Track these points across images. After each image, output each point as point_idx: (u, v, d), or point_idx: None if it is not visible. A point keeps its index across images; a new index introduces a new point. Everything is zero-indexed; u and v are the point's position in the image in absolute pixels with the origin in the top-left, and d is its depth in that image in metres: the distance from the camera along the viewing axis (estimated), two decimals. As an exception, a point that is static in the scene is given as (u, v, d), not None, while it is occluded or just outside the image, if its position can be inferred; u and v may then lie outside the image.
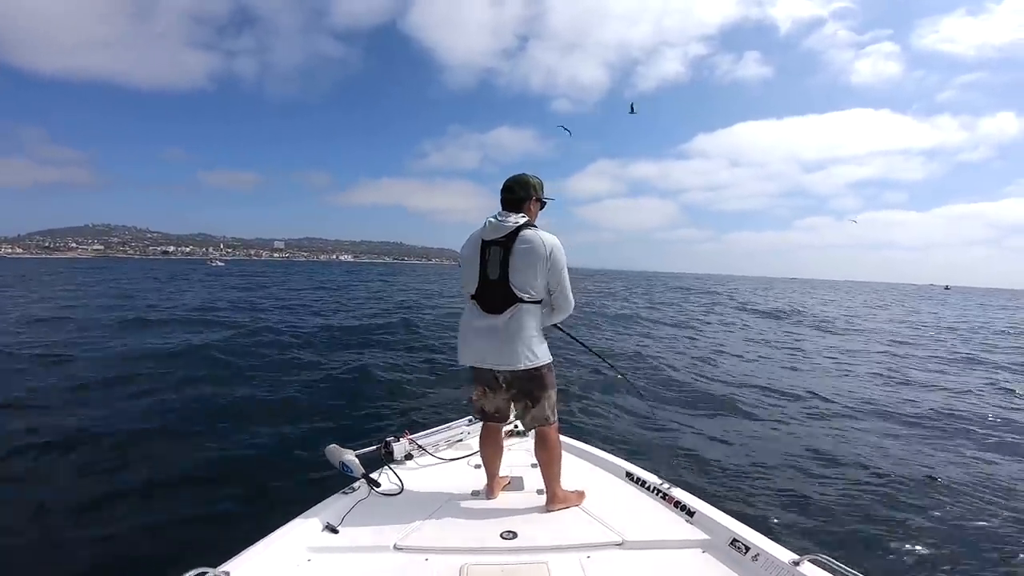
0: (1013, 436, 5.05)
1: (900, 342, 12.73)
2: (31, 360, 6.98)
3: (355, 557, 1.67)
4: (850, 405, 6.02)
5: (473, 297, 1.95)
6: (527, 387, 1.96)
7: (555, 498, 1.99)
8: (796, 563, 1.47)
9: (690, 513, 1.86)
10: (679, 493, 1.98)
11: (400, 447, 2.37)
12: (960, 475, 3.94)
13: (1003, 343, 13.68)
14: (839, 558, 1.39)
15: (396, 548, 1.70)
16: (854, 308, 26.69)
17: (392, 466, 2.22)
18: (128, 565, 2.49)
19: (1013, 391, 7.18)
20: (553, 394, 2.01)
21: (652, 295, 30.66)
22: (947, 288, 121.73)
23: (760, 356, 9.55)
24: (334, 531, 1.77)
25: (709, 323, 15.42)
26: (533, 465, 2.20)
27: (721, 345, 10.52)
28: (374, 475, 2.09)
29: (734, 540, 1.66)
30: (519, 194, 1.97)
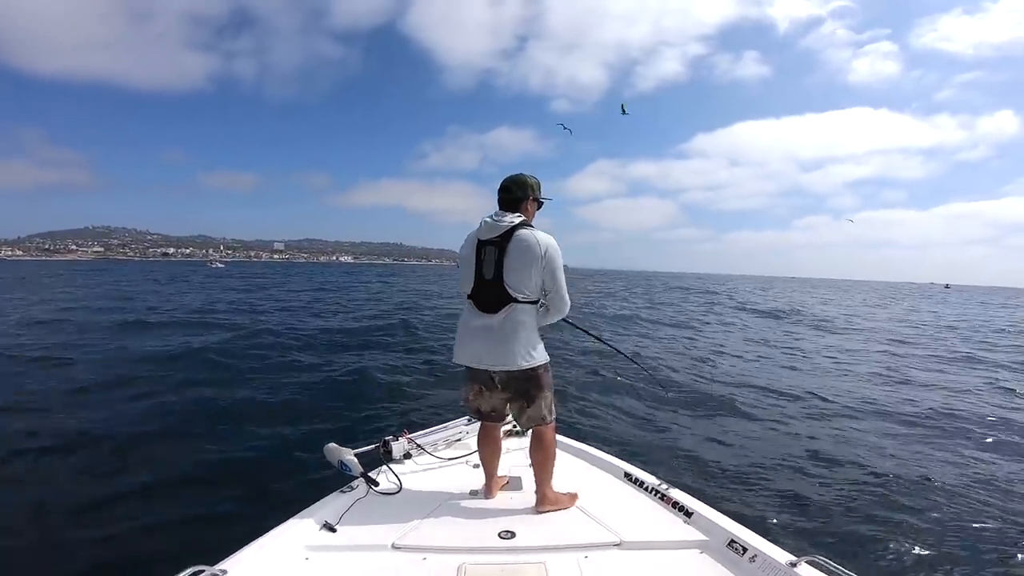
0: (1013, 436, 5.04)
1: (900, 341, 12.73)
2: (31, 362, 6.99)
3: (353, 556, 1.67)
4: (849, 405, 6.01)
5: (470, 297, 1.95)
6: (523, 387, 1.95)
7: (545, 499, 1.98)
8: (793, 564, 1.47)
9: (688, 514, 1.86)
10: (677, 494, 1.98)
11: (399, 446, 2.37)
12: (959, 475, 3.94)
13: (1003, 342, 13.68)
14: (836, 559, 1.39)
15: (394, 547, 1.70)
16: (853, 307, 26.67)
17: (391, 465, 2.22)
18: (128, 565, 2.49)
19: (1013, 391, 7.17)
20: (550, 394, 2.00)
21: (651, 295, 30.66)
22: (947, 287, 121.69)
23: (759, 356, 9.54)
24: (332, 530, 1.78)
25: (708, 323, 15.42)
26: (531, 465, 2.21)
27: (720, 345, 10.52)
28: (373, 474, 2.10)
29: (732, 541, 1.66)
30: (516, 194, 1.97)
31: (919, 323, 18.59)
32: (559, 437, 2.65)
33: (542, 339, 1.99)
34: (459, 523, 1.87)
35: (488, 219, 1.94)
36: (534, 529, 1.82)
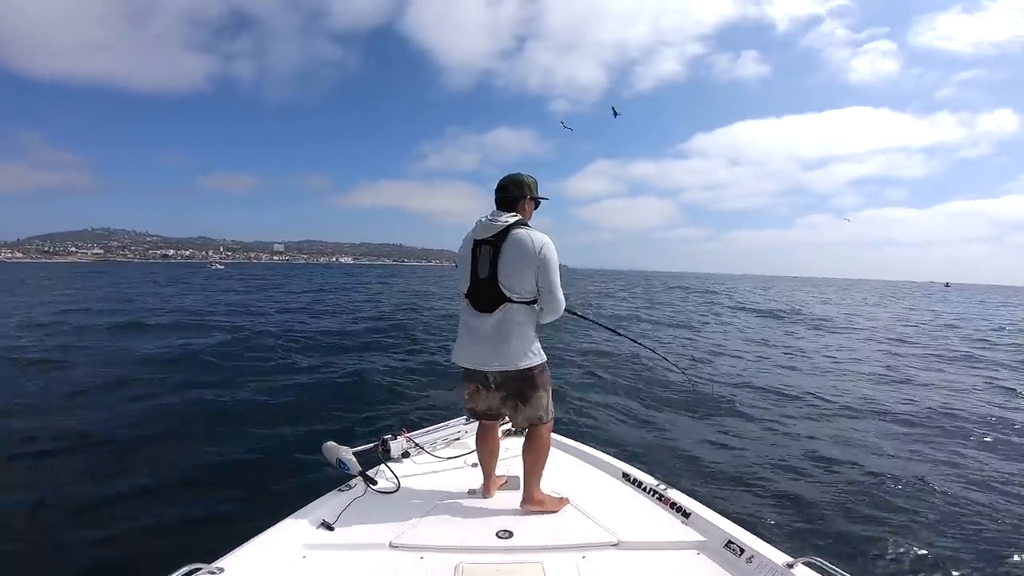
0: (1012, 436, 5.01)
1: (900, 340, 12.71)
2: (31, 364, 6.99)
3: (350, 555, 1.67)
4: (848, 405, 6.00)
5: (467, 296, 1.96)
6: (519, 387, 1.95)
7: (531, 500, 1.96)
8: (790, 565, 1.48)
9: (686, 514, 1.87)
10: (675, 494, 1.98)
11: (397, 445, 2.37)
12: (957, 476, 3.93)
13: (1004, 340, 13.66)
14: (833, 560, 1.40)
15: (392, 546, 1.71)
16: (854, 306, 26.65)
17: (389, 464, 2.22)
18: (128, 564, 2.50)
19: (1013, 390, 7.13)
20: (546, 394, 1.99)
21: (651, 295, 30.65)
22: (947, 285, 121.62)
23: (758, 356, 9.53)
24: (330, 528, 1.78)
25: (707, 323, 15.42)
26: (523, 463, 2.22)
27: (719, 345, 10.52)
28: (371, 473, 2.10)
29: (729, 542, 1.66)
30: (513, 193, 1.98)
31: (919, 322, 18.57)
32: (558, 437, 2.66)
33: (538, 339, 1.98)
34: (457, 522, 1.88)
35: (484, 219, 1.94)
36: (532, 529, 1.82)
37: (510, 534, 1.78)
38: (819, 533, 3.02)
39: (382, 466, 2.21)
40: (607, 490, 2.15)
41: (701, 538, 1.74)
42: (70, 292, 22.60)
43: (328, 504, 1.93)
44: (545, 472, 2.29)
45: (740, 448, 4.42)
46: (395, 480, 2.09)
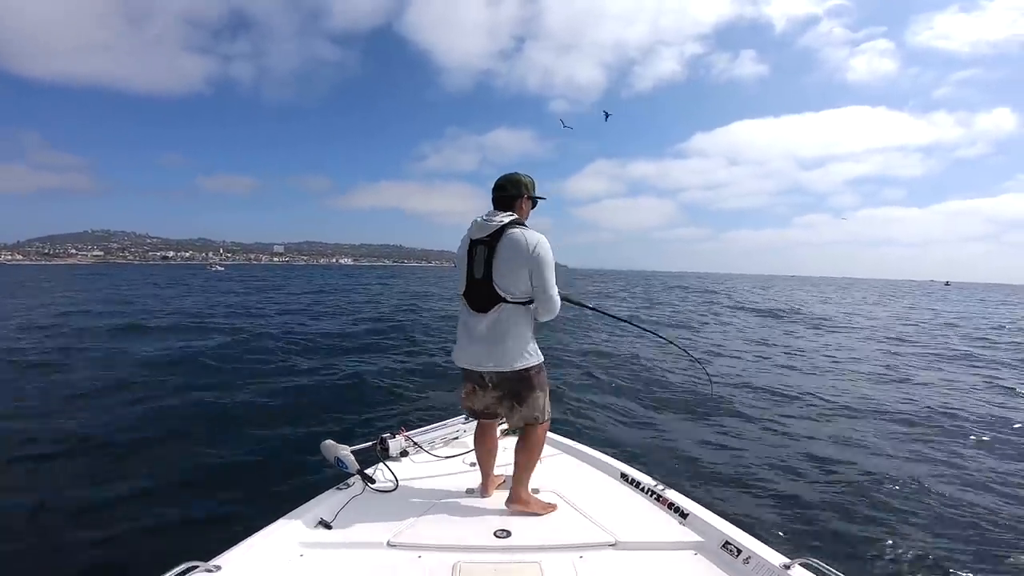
0: (1011, 436, 4.99)
1: (900, 339, 12.70)
2: (31, 367, 7.00)
3: (348, 553, 1.67)
4: (847, 405, 5.99)
5: (464, 296, 1.96)
6: (514, 388, 1.94)
7: (518, 499, 1.95)
8: (787, 567, 1.48)
9: (683, 515, 1.86)
10: (673, 495, 1.98)
11: (396, 444, 2.37)
12: (956, 476, 3.93)
13: (1004, 339, 13.64)
14: (830, 562, 1.40)
15: (389, 545, 1.71)
16: (853, 305, 26.64)
17: (387, 463, 2.22)
18: (128, 565, 2.51)
19: (1013, 389, 7.10)
20: (542, 395, 1.99)
21: (650, 295, 30.65)
22: (947, 284, 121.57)
23: (757, 356, 9.53)
24: (327, 526, 1.77)
25: (706, 323, 15.42)
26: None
27: (718, 345, 10.52)
28: (369, 471, 2.10)
29: (726, 543, 1.66)
30: (510, 192, 1.97)
31: (919, 321, 18.56)
32: (557, 437, 2.66)
33: (535, 339, 1.98)
34: (455, 521, 1.88)
35: (479, 219, 1.94)
36: (530, 528, 1.82)
37: (508, 533, 1.78)
38: (816, 534, 3.02)
39: (380, 465, 2.21)
40: (605, 490, 2.15)
41: (698, 538, 1.74)
42: (70, 294, 22.62)
43: (326, 502, 1.93)
44: (543, 472, 2.28)
45: (738, 448, 4.42)
46: (393, 479, 2.09)
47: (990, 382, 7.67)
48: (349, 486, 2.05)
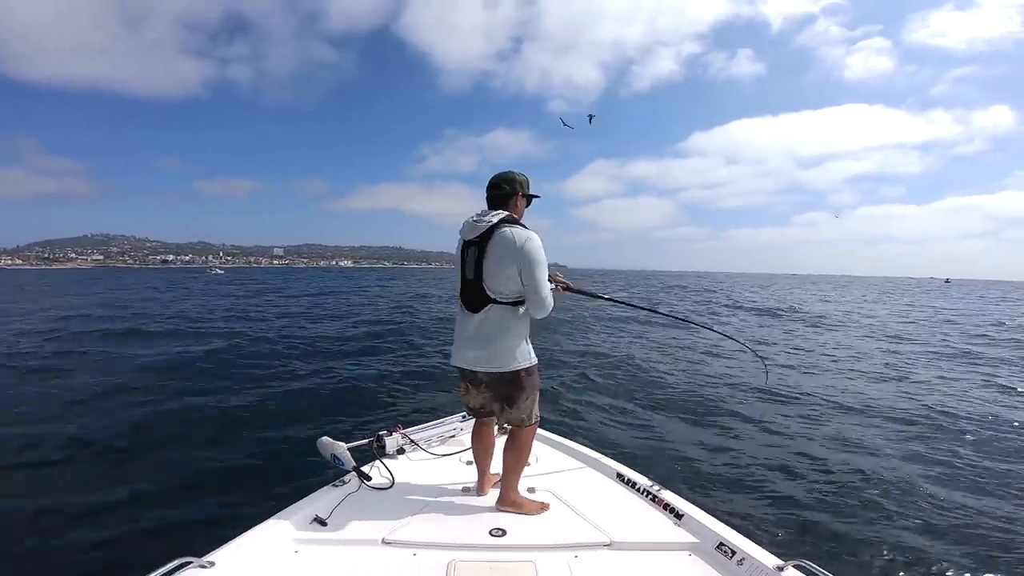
0: (1009, 435, 4.94)
1: (898, 337, 12.67)
2: (31, 372, 7.02)
3: (342, 550, 1.67)
4: (846, 404, 5.96)
5: (460, 297, 1.97)
6: (504, 389, 1.94)
7: (506, 500, 1.96)
8: (780, 568, 1.49)
9: (678, 516, 1.87)
10: (668, 495, 1.99)
11: (392, 441, 2.37)
12: (953, 477, 3.91)
13: (1004, 336, 13.57)
14: (823, 564, 1.41)
15: (384, 542, 1.71)
16: (852, 304, 26.60)
17: (384, 460, 2.22)
18: (128, 564, 2.51)
19: (1013, 388, 7.03)
20: (531, 397, 1.97)
21: (649, 294, 30.60)
22: (947, 281, 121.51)
23: (756, 356, 9.52)
24: (322, 523, 1.78)
25: (705, 323, 15.41)
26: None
27: (717, 345, 10.50)
28: (365, 468, 2.10)
29: (721, 544, 1.67)
30: (505, 190, 1.96)
31: (918, 319, 18.52)
32: (553, 436, 2.68)
33: (528, 340, 1.97)
34: (450, 520, 1.88)
35: (470, 219, 1.93)
36: (525, 527, 1.83)
37: (503, 532, 1.79)
38: (810, 535, 3.01)
39: (377, 462, 2.21)
40: (601, 490, 2.16)
41: (693, 539, 1.75)
42: (69, 298, 22.62)
43: (322, 499, 1.93)
44: (539, 471, 2.30)
45: (734, 449, 4.41)
46: (389, 476, 2.09)
47: (989, 380, 7.62)
48: (345, 483, 2.05)
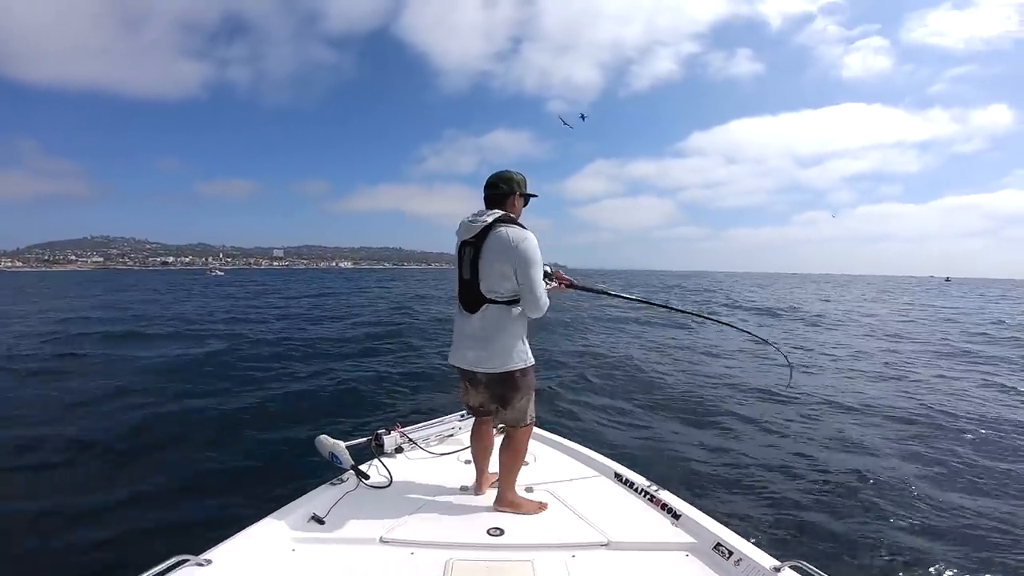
0: (1008, 435, 4.90)
1: (900, 336, 12.64)
2: (31, 375, 7.03)
3: (340, 549, 1.67)
4: (845, 404, 5.93)
5: (458, 297, 1.98)
6: (499, 389, 1.95)
7: (503, 500, 1.96)
8: (777, 569, 1.49)
9: (676, 516, 1.87)
10: (666, 496, 1.99)
11: (391, 440, 2.37)
12: (952, 477, 3.89)
13: (1004, 334, 13.52)
14: (820, 565, 1.41)
15: (382, 541, 1.71)
16: (852, 303, 26.57)
17: (382, 459, 2.22)
18: (127, 564, 2.52)
19: (1012, 387, 6.98)
20: (527, 397, 1.97)
21: (649, 294, 30.57)
22: (947, 280, 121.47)
23: (754, 355, 9.48)
24: (320, 522, 1.78)
25: (702, 323, 15.38)
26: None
27: (716, 345, 10.50)
28: (363, 467, 2.11)
29: (718, 544, 1.67)
30: (502, 189, 1.95)
31: (918, 317, 18.50)
32: (551, 436, 2.68)
33: (525, 340, 1.96)
34: (448, 519, 1.88)
35: (466, 219, 1.93)
36: (522, 527, 1.83)
37: (501, 532, 1.79)
38: (808, 536, 3.00)
39: (375, 461, 2.21)
40: (599, 490, 2.16)
41: (691, 540, 1.75)
42: (70, 300, 22.66)
43: (319, 498, 1.93)
44: (537, 471, 2.30)
45: (732, 449, 4.40)
46: (387, 475, 2.09)
47: (988, 379, 7.59)
48: (343, 481, 2.05)
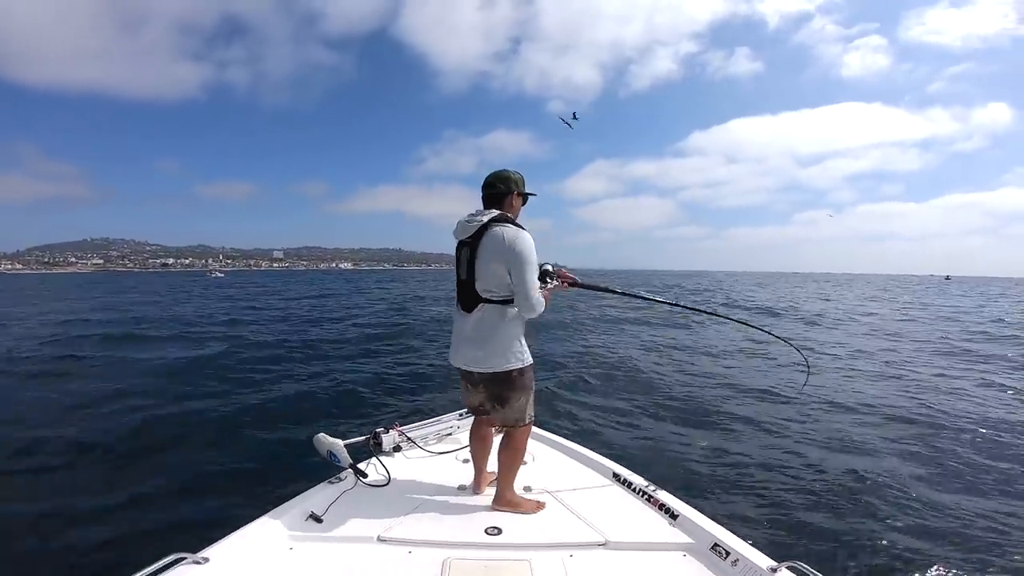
0: (1006, 435, 4.88)
1: (900, 335, 12.62)
2: (31, 377, 7.04)
3: (337, 547, 1.67)
4: (844, 404, 5.91)
5: (457, 297, 1.98)
6: (497, 389, 1.94)
7: (502, 499, 1.96)
8: (774, 570, 1.49)
9: (674, 516, 1.87)
10: (664, 496, 1.99)
11: (389, 438, 2.36)
12: (951, 478, 3.89)
13: (1004, 332, 13.49)
14: (817, 565, 1.41)
15: (380, 540, 1.71)
16: (852, 302, 26.53)
17: (380, 457, 2.21)
18: (126, 564, 2.53)
19: (1014, 387, 6.94)
20: (525, 397, 1.96)
21: (650, 295, 30.42)
22: (947, 278, 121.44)
23: (753, 355, 9.45)
24: (318, 520, 1.78)
25: (701, 322, 15.35)
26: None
27: (715, 345, 10.48)
28: (361, 466, 2.11)
29: (715, 544, 1.67)
30: (500, 189, 1.95)
31: (918, 316, 18.48)
32: (550, 435, 2.68)
33: (522, 340, 1.96)
34: (446, 518, 1.89)
35: (463, 219, 1.93)
36: (520, 526, 1.84)
37: (499, 531, 1.79)
38: (805, 536, 3.00)
39: (373, 459, 2.21)
40: (597, 489, 2.16)
41: (688, 540, 1.75)
42: (70, 303, 22.66)
43: (317, 496, 1.93)
44: (535, 470, 2.30)
45: (731, 449, 4.39)
46: (386, 474, 2.09)
47: (988, 378, 7.57)
48: (341, 480, 2.05)
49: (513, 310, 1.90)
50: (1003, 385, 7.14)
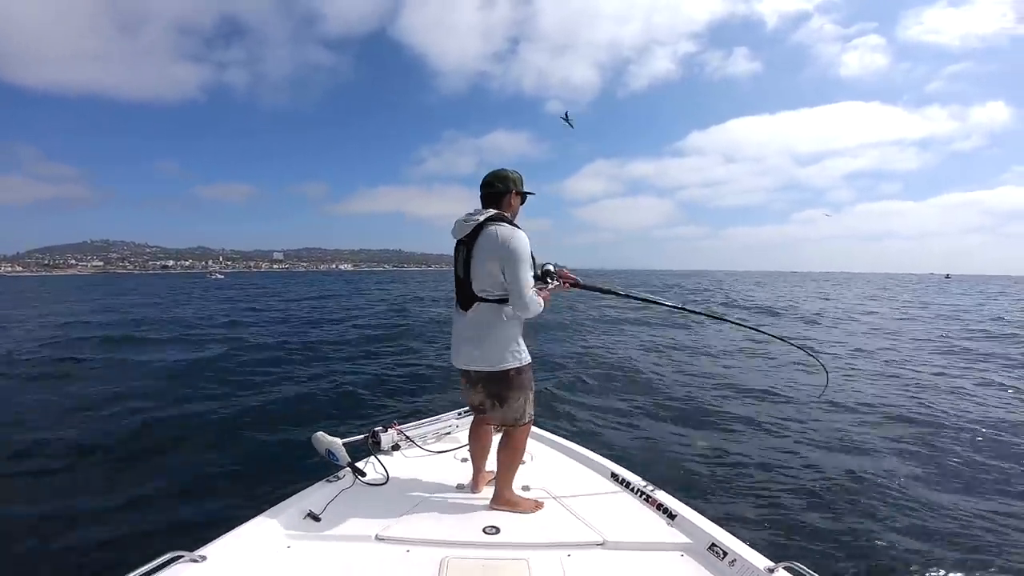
0: (1005, 435, 4.86)
1: (900, 334, 12.60)
2: (31, 380, 7.05)
3: (335, 546, 1.67)
4: (844, 404, 5.89)
5: (456, 296, 1.99)
6: (495, 388, 1.95)
7: (500, 499, 1.96)
8: (771, 570, 1.50)
9: (671, 516, 1.87)
10: (662, 496, 1.99)
11: (388, 437, 2.37)
12: (947, 478, 3.88)
13: (1004, 330, 13.46)
14: (814, 566, 1.42)
15: (378, 539, 1.72)
16: (851, 301, 26.49)
17: (379, 456, 2.22)
18: (127, 564, 2.54)
19: (1014, 386, 6.92)
20: (522, 397, 1.96)
21: (651, 295, 30.40)
22: (948, 277, 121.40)
23: (753, 354, 9.42)
24: (316, 519, 1.78)
25: (701, 323, 15.33)
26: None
27: (714, 345, 10.48)
28: (360, 464, 2.11)
29: (713, 545, 1.68)
30: (498, 188, 1.95)
31: (918, 315, 18.46)
32: (549, 435, 2.68)
33: (520, 340, 1.96)
34: (444, 517, 1.89)
35: (460, 219, 1.94)
36: (518, 525, 1.84)
37: (497, 530, 1.80)
38: (803, 537, 2.99)
39: (372, 458, 2.22)
40: (595, 489, 2.16)
41: (686, 540, 1.75)
42: (70, 305, 22.65)
43: (315, 495, 1.93)
44: (534, 469, 2.30)
45: (729, 450, 4.39)
46: (384, 472, 2.10)
47: (988, 377, 7.55)
48: (339, 479, 2.06)
49: (509, 309, 1.90)
50: (1003, 384, 7.12)
